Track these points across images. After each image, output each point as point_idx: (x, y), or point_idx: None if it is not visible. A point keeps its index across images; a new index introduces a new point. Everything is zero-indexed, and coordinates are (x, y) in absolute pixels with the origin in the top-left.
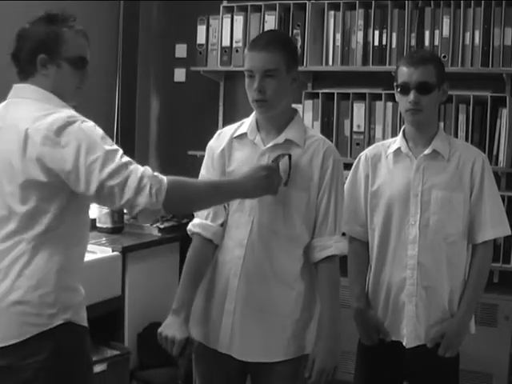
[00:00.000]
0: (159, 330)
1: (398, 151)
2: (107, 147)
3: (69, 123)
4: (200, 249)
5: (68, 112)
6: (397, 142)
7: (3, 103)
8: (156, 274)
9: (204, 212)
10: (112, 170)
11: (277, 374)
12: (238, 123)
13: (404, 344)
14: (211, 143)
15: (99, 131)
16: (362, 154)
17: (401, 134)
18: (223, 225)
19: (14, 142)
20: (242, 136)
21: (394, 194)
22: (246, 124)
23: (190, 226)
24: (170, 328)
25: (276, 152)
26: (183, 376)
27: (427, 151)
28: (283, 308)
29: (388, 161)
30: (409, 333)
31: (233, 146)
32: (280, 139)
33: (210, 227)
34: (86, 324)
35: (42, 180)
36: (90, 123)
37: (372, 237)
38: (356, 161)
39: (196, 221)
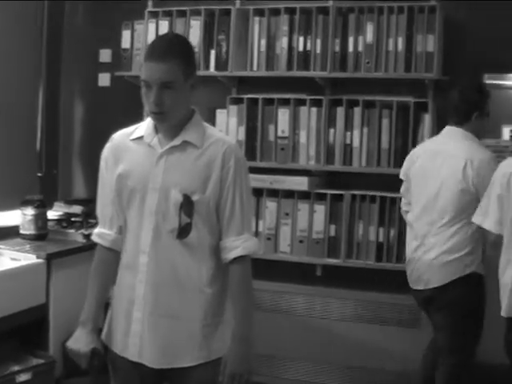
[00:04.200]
0: (67, 343)
1: None
2: None
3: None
4: (101, 258)
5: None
6: None
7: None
8: (81, 280)
9: (102, 220)
10: None
11: (194, 379)
12: (134, 126)
13: None
14: (104, 153)
15: None
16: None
17: None
18: (122, 230)
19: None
20: (139, 139)
21: None
22: (143, 126)
23: (92, 236)
24: (76, 341)
25: (174, 154)
26: None
27: None
28: (193, 313)
29: None
30: None
31: (129, 147)
32: (177, 141)
33: (108, 235)
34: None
35: None
36: None
37: None
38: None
39: (96, 230)
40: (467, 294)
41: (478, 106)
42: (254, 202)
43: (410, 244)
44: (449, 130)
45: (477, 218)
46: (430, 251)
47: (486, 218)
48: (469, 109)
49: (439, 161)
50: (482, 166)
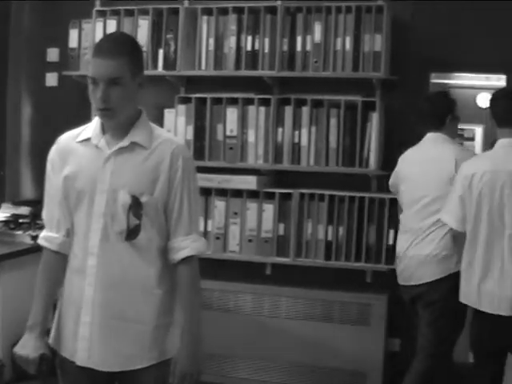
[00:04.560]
0: (14, 349)
1: None
2: None
3: None
4: (48, 261)
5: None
6: None
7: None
8: (30, 282)
9: (48, 223)
10: None
11: (145, 380)
12: (81, 127)
13: None
14: (50, 155)
15: None
16: None
17: None
18: (70, 233)
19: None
20: (86, 140)
21: None
22: (89, 128)
23: (38, 239)
24: (24, 346)
25: (122, 156)
26: None
27: None
28: (143, 314)
29: None
30: None
31: (75, 149)
32: (125, 142)
33: (55, 239)
34: None
35: None
36: None
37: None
38: None
39: (42, 233)
40: (457, 290)
41: (450, 110)
42: (202, 202)
43: (404, 243)
44: (431, 136)
45: (444, 216)
46: (425, 248)
47: (451, 216)
48: (442, 113)
49: (430, 164)
50: None
